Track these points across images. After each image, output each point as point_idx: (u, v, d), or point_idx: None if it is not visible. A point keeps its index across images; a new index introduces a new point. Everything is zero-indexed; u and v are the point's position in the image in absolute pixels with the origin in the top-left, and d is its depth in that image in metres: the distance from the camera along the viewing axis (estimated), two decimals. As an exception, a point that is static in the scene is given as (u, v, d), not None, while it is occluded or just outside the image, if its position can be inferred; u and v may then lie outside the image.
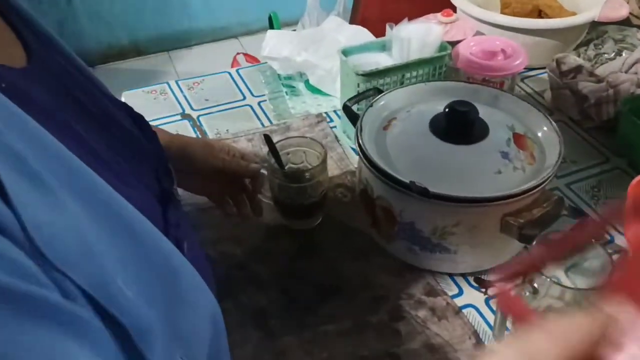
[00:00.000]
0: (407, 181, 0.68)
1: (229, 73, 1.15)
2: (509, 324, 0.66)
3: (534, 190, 0.69)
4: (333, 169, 0.92)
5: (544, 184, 0.70)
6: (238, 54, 2.17)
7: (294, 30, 1.34)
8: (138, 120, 0.58)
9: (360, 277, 0.78)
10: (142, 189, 0.49)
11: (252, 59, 2.06)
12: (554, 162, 0.72)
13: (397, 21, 1.00)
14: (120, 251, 0.36)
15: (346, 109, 0.86)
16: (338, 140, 0.99)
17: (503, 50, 0.97)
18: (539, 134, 0.78)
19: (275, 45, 1.09)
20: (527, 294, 0.63)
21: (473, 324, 0.72)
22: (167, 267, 0.41)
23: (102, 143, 0.47)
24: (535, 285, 0.63)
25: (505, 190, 0.69)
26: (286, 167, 0.82)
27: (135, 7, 2.61)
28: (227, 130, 1.01)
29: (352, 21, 1.52)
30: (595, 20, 1.07)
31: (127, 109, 0.58)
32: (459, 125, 0.74)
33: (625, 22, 1.10)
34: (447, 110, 0.74)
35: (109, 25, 2.60)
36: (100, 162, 0.44)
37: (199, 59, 2.64)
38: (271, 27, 1.83)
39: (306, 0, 1.60)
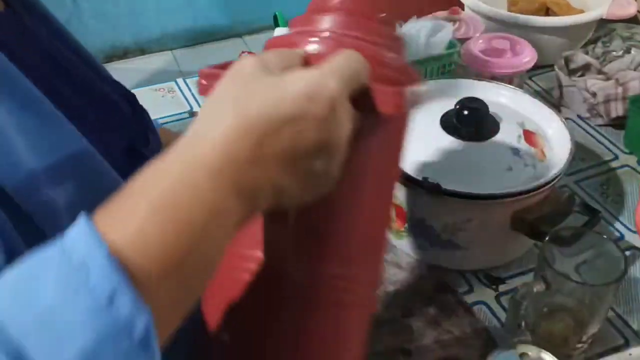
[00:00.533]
0: (420, 178, 0.68)
1: (237, 71, 1.15)
2: (521, 322, 0.66)
3: (545, 187, 0.70)
4: (342, 167, 0.92)
5: (555, 181, 0.71)
6: (243, 52, 2.17)
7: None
8: (128, 94, 0.60)
9: (371, 273, 0.78)
10: (96, 135, 0.49)
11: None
12: (564, 159, 0.72)
13: (403, 19, 1.00)
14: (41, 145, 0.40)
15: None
16: (346, 138, 0.99)
17: (512, 48, 0.97)
18: (549, 131, 0.78)
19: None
20: (540, 290, 0.63)
21: (483, 320, 0.72)
22: (87, 165, 0.44)
23: (69, 94, 0.49)
24: (548, 281, 0.63)
25: (516, 186, 0.69)
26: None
27: (139, 7, 2.61)
28: (235, 127, 1.01)
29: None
30: (603, 17, 1.07)
31: (115, 82, 0.59)
32: (469, 122, 0.74)
33: (633, 20, 1.10)
34: (457, 107, 0.74)
35: (113, 24, 2.60)
36: (57, 98, 0.45)
37: (203, 58, 2.64)
38: (276, 26, 1.83)
39: (312, -1, 1.60)
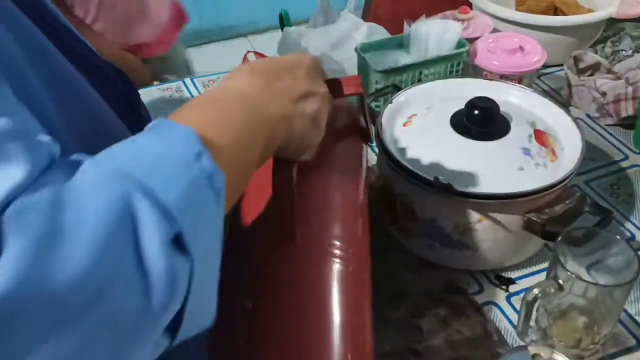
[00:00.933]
0: (431, 178, 0.68)
1: (244, 70, 1.15)
2: (532, 322, 0.66)
3: (557, 187, 0.69)
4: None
5: (567, 180, 0.70)
6: (248, 52, 2.17)
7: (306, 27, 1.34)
8: (118, 70, 0.61)
9: (380, 273, 0.77)
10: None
11: (262, 58, 2.05)
12: (575, 159, 0.72)
13: (409, 19, 1.00)
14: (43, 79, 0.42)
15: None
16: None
17: (521, 47, 0.96)
18: (560, 131, 0.77)
19: (293, 43, 1.09)
20: (552, 290, 0.63)
21: (494, 321, 0.71)
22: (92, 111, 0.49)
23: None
24: (560, 281, 0.62)
25: (528, 186, 0.68)
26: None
27: (144, 6, 2.61)
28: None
29: (364, 19, 1.52)
30: (612, 17, 1.07)
31: (104, 60, 0.60)
32: (480, 122, 0.73)
33: (643, 19, 1.10)
34: (468, 106, 0.74)
35: (118, 24, 2.60)
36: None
37: (208, 58, 2.62)
38: (282, 25, 1.83)
39: (316, -2, 1.60)
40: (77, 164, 0.34)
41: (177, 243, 0.33)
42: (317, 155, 0.56)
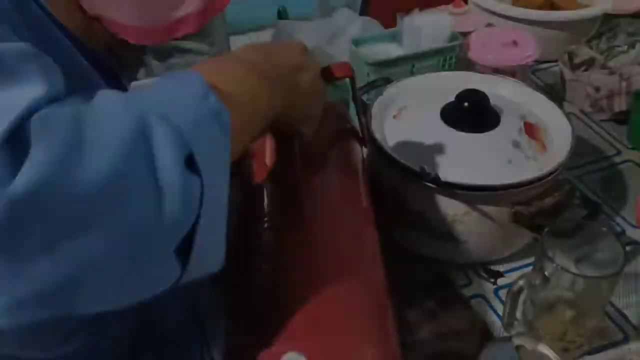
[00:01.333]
0: (417, 169, 0.67)
1: (239, 64, 1.15)
2: (518, 314, 0.66)
3: (545, 179, 0.69)
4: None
5: (556, 173, 0.70)
6: (247, 48, 2.16)
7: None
8: (111, 61, 0.64)
9: (369, 266, 0.77)
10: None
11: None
12: (565, 152, 0.72)
13: (407, 13, 1.00)
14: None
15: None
16: (347, 131, 0.98)
17: (515, 42, 0.96)
18: (551, 124, 0.77)
19: (288, 37, 1.09)
20: (538, 282, 0.63)
21: (481, 314, 0.71)
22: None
23: None
24: (546, 274, 0.62)
25: (516, 178, 0.68)
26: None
27: (145, 2, 2.61)
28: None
29: (362, 13, 1.51)
30: (608, 12, 1.06)
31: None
32: (470, 114, 0.73)
33: (638, 15, 1.09)
34: (458, 98, 0.74)
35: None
36: None
37: (208, 54, 2.63)
38: (280, 21, 1.83)
39: (315, -6, 1.59)
40: (93, 95, 0.36)
41: (189, 166, 0.36)
42: (317, 159, 0.61)
